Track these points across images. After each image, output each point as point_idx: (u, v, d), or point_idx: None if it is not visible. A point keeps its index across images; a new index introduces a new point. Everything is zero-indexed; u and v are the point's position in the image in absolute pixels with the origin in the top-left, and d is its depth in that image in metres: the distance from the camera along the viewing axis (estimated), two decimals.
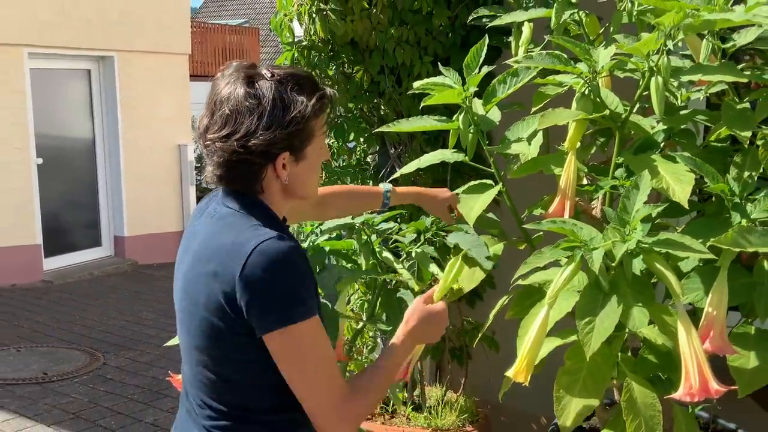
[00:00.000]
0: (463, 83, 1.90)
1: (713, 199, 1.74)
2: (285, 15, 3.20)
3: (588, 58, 1.72)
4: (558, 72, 1.81)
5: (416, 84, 1.95)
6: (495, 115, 1.94)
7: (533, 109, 1.91)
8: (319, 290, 1.99)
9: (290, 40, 3.21)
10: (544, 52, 1.79)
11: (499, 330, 2.95)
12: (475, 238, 1.96)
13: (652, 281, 1.63)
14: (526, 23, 2.11)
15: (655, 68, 1.63)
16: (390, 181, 2.08)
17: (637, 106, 1.77)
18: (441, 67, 1.95)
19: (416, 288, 1.99)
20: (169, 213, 9.64)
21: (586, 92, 1.74)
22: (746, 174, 1.64)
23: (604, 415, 2.03)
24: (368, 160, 3.49)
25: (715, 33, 1.72)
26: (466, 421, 3.00)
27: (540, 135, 1.94)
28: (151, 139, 9.32)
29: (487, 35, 1.99)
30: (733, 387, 1.50)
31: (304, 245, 2.05)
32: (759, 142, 1.69)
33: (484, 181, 1.97)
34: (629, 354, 1.79)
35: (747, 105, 1.72)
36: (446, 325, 1.61)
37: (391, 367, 1.52)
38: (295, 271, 1.38)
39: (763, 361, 1.57)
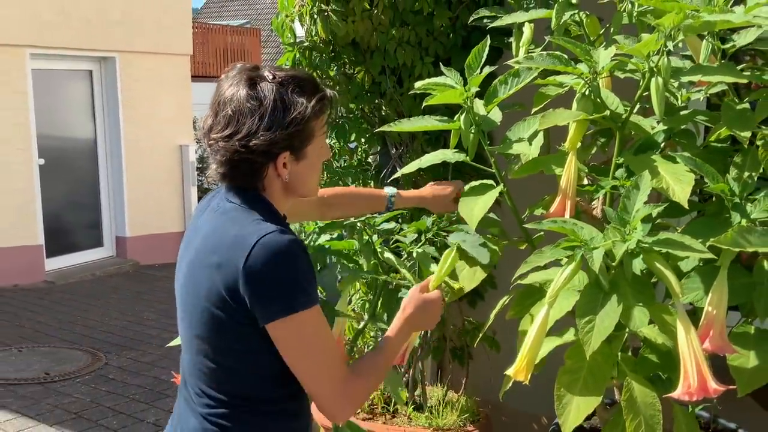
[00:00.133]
0: (465, 83, 1.90)
1: (713, 199, 1.74)
2: (287, 16, 3.20)
3: (588, 59, 1.72)
4: (559, 72, 1.81)
5: (418, 84, 1.96)
6: (496, 115, 1.95)
7: (534, 110, 1.92)
8: (321, 289, 2.01)
9: (292, 40, 3.22)
10: (544, 52, 1.79)
11: (500, 330, 2.95)
12: (476, 238, 1.97)
13: (652, 281, 1.64)
14: (526, 24, 2.12)
15: (655, 69, 1.63)
16: (391, 181, 2.10)
17: (638, 106, 1.78)
18: (442, 68, 1.96)
19: None
20: (171, 213, 9.66)
21: (587, 93, 1.75)
22: (746, 174, 1.64)
23: (604, 415, 2.04)
24: (369, 160, 3.50)
25: (715, 34, 1.72)
26: (467, 421, 3.01)
27: (541, 135, 1.94)
28: (152, 139, 9.33)
29: (488, 36, 2.00)
30: (732, 386, 1.51)
31: (306, 242, 2.06)
32: (759, 143, 1.69)
33: (485, 181, 1.98)
34: (629, 353, 1.80)
35: (747, 105, 1.72)
36: (441, 313, 1.69)
37: (389, 351, 1.60)
38: (296, 262, 1.43)
39: (763, 360, 1.57)
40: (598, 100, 1.77)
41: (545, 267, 1.68)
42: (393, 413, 3.06)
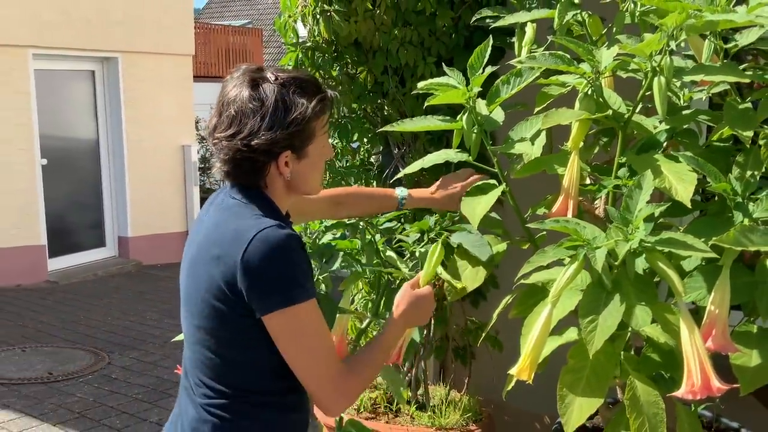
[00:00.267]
0: (467, 83, 1.91)
1: (716, 198, 1.74)
2: (289, 16, 3.21)
3: (591, 59, 1.73)
4: (561, 72, 1.81)
5: (420, 84, 1.96)
6: (498, 115, 1.95)
7: (536, 109, 1.92)
8: (326, 283, 2.02)
9: (294, 41, 3.22)
10: (547, 52, 1.79)
11: (502, 329, 2.95)
12: (478, 238, 1.97)
13: (654, 280, 1.64)
14: (529, 24, 2.12)
15: (658, 68, 1.63)
16: (394, 182, 2.10)
17: (640, 106, 1.78)
18: (445, 68, 1.96)
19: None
20: (173, 213, 9.67)
21: (589, 92, 1.75)
22: (748, 173, 1.64)
23: (607, 414, 2.04)
24: (372, 160, 3.50)
25: (717, 33, 1.72)
26: (469, 420, 3.01)
27: (543, 135, 1.94)
28: (154, 139, 9.34)
29: (490, 36, 2.00)
30: (735, 385, 1.51)
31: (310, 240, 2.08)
32: (761, 142, 1.69)
33: (488, 181, 1.99)
34: (632, 353, 1.80)
35: (749, 105, 1.72)
36: (433, 308, 1.72)
37: (383, 346, 1.64)
38: (293, 256, 1.47)
39: (765, 359, 1.57)
40: (601, 99, 1.77)
41: (548, 266, 1.69)
42: (396, 412, 3.06)
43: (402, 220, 2.48)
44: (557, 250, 1.58)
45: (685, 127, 1.84)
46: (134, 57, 9.09)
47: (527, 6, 2.15)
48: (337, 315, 1.96)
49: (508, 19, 2.09)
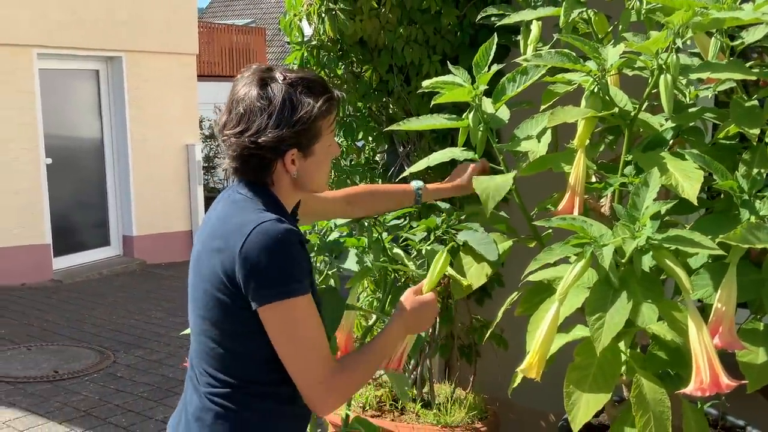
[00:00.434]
0: (473, 82, 1.91)
1: (722, 196, 1.74)
2: (294, 15, 3.21)
3: (597, 56, 1.73)
4: (567, 70, 1.82)
5: (426, 83, 1.97)
6: (504, 113, 1.95)
7: (542, 107, 1.92)
8: (335, 279, 2.02)
9: (299, 39, 3.23)
10: (553, 50, 1.80)
11: (507, 327, 2.96)
12: (484, 236, 1.97)
13: (660, 278, 1.64)
14: (534, 22, 2.12)
15: (664, 66, 1.64)
16: (398, 181, 2.11)
17: (646, 104, 1.78)
18: (450, 66, 1.97)
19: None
20: (177, 213, 9.68)
21: (596, 90, 1.75)
22: (755, 171, 1.64)
23: (613, 412, 2.04)
24: (377, 159, 3.51)
25: (723, 31, 1.72)
26: (475, 418, 3.01)
27: (549, 133, 1.95)
28: (159, 139, 9.36)
29: (495, 34, 2.01)
30: (743, 381, 1.51)
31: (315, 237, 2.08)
32: (767, 140, 1.69)
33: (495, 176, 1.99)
34: (638, 350, 1.80)
35: (755, 102, 1.72)
36: (435, 315, 1.72)
37: (380, 349, 1.64)
38: (291, 250, 1.49)
39: None
40: (607, 97, 1.78)
41: (554, 264, 1.69)
42: (401, 410, 3.07)
43: (408, 218, 2.48)
44: (564, 247, 1.58)
45: (691, 124, 1.84)
46: (138, 56, 9.10)
47: (533, 4, 2.15)
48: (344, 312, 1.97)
49: (513, 17, 2.09)
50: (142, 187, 9.20)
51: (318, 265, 2.04)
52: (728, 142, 1.84)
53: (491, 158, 2.03)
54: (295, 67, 3.19)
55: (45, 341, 6.09)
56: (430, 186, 2.12)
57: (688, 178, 1.59)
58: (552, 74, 1.88)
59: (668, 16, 1.59)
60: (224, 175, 13.13)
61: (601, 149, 2.04)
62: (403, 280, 2.10)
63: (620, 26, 1.90)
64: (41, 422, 4.47)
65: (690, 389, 1.46)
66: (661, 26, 1.66)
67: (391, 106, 3.19)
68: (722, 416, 2.36)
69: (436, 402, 3.09)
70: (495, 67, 1.91)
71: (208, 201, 8.81)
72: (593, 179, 1.94)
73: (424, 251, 2.05)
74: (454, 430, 2.93)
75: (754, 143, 1.67)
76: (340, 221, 2.12)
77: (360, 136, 3.32)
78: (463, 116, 1.95)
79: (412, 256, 2.13)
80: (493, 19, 2.22)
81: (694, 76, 1.70)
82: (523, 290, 1.90)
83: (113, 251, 9.24)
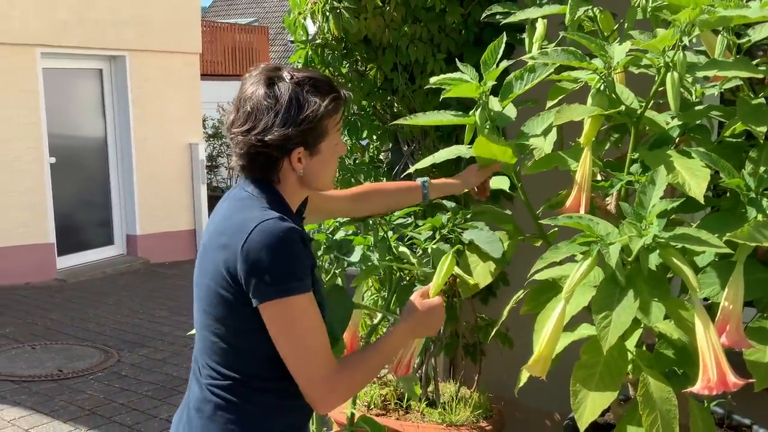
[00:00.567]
0: (480, 79, 1.91)
1: (728, 194, 1.74)
2: (299, 13, 3.21)
3: (603, 54, 1.72)
4: (573, 68, 1.81)
5: (433, 80, 1.97)
6: (511, 111, 1.95)
7: (548, 105, 1.92)
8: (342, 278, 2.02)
9: (304, 38, 3.23)
10: (559, 48, 1.79)
11: (512, 326, 2.96)
12: (489, 234, 1.97)
13: (667, 276, 1.64)
14: (540, 20, 2.11)
15: (670, 64, 1.63)
16: (403, 179, 2.10)
17: (652, 102, 1.78)
18: (458, 63, 1.97)
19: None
20: (181, 212, 9.69)
21: (602, 88, 1.75)
22: (762, 169, 1.64)
23: (619, 411, 2.04)
24: (381, 157, 3.50)
25: (730, 29, 1.72)
26: (479, 417, 3.01)
27: (554, 131, 1.94)
28: (162, 138, 9.37)
29: (504, 32, 2.00)
30: (750, 380, 1.51)
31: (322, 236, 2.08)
32: None
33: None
34: (644, 349, 1.80)
35: (762, 100, 1.72)
36: (443, 319, 1.71)
37: (384, 351, 1.63)
38: (293, 248, 1.50)
39: None
40: (613, 95, 1.77)
41: (560, 263, 1.69)
42: (406, 409, 3.07)
43: (413, 217, 2.48)
44: (571, 246, 1.58)
45: (697, 122, 1.84)
46: (142, 55, 9.11)
47: (538, 2, 2.15)
48: None
49: (518, 15, 2.09)
50: (145, 186, 9.21)
51: (324, 264, 2.04)
52: (735, 140, 1.84)
53: None
54: (300, 65, 3.19)
55: (49, 340, 6.10)
56: (435, 181, 2.11)
57: (694, 176, 1.59)
58: (557, 72, 1.87)
59: (675, 14, 1.59)
60: (227, 174, 13.15)
61: (607, 147, 2.04)
62: (408, 278, 2.10)
63: (626, 24, 1.90)
64: (46, 421, 4.48)
65: (697, 388, 1.46)
66: (667, 24, 1.66)
67: (395, 104, 3.19)
68: (728, 415, 2.36)
69: (441, 401, 3.09)
70: (504, 64, 1.91)
71: (212, 200, 8.81)
72: (599, 177, 1.94)
73: (429, 250, 2.05)
74: (459, 429, 2.93)
75: (761, 141, 1.67)
76: (344, 220, 2.11)
77: (364, 135, 3.32)
78: (470, 113, 1.95)
79: (418, 254, 2.13)
80: (498, 17, 2.22)
81: (700, 74, 1.70)
82: (528, 289, 1.90)
83: (117, 250, 9.26)
